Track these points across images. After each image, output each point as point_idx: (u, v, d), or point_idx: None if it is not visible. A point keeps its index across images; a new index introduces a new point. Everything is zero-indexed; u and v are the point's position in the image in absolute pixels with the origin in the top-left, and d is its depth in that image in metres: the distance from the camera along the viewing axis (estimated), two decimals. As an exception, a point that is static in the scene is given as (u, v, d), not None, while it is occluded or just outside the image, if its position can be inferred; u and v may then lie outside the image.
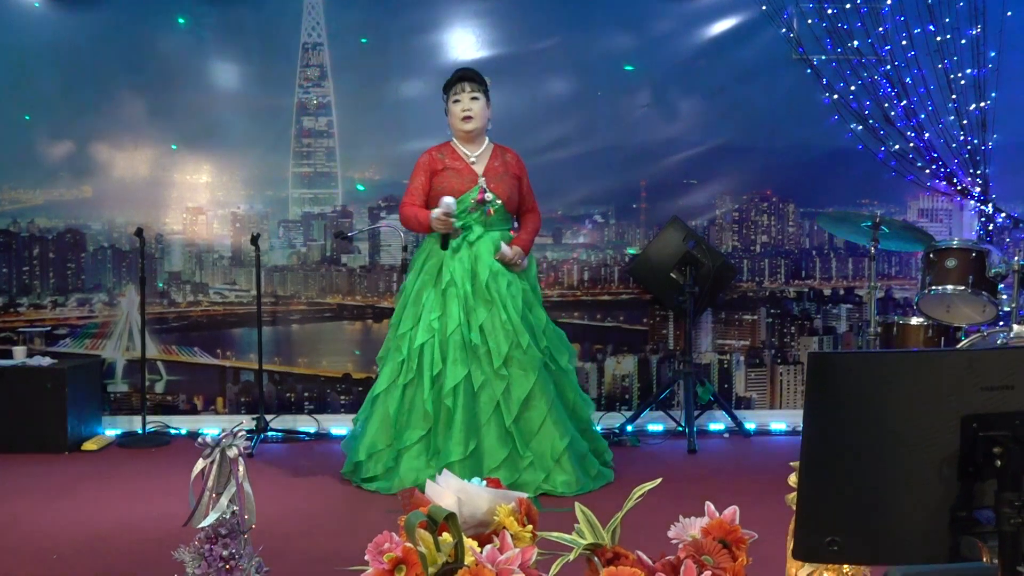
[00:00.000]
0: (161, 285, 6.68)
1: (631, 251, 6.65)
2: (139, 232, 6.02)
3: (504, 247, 4.50)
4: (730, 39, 6.71)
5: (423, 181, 4.58)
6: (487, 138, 4.79)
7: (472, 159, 4.62)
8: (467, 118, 4.54)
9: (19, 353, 6.18)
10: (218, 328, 6.57)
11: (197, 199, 6.64)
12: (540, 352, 4.43)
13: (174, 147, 6.57)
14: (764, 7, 6.58)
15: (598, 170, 6.65)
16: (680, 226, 6.35)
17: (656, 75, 6.72)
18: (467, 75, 4.66)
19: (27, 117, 6.44)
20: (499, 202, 4.53)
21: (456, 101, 4.60)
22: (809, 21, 6.55)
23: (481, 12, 6.75)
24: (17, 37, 6.35)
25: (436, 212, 4.51)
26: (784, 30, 6.59)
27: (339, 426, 6.43)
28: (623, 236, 6.70)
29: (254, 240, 5.99)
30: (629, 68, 6.67)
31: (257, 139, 6.73)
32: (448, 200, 4.47)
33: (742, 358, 6.67)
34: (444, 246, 4.53)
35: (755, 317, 6.68)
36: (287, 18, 6.67)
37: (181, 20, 6.57)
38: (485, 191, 4.53)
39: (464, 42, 6.61)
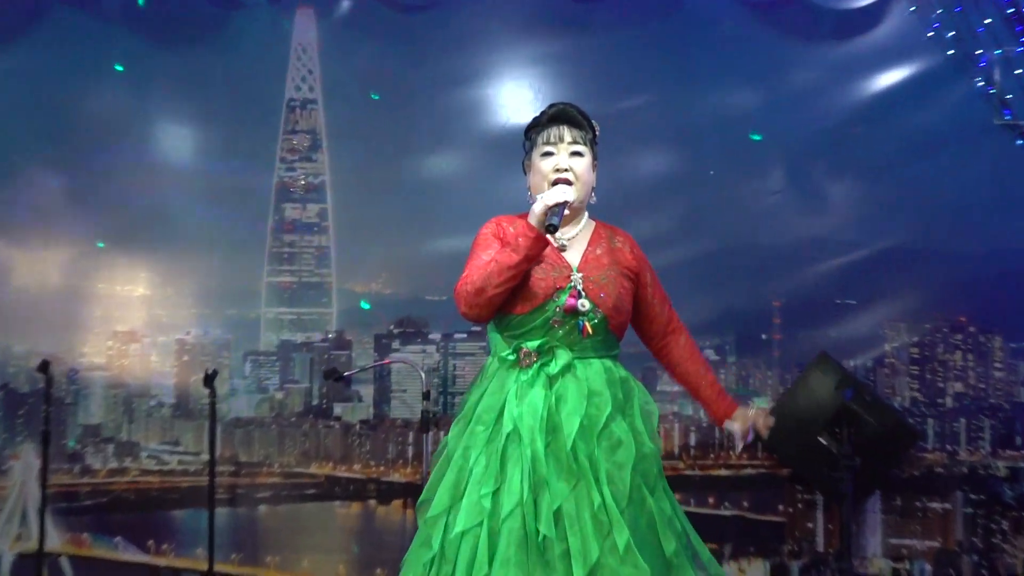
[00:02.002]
0: (73, 444, 6.36)
1: (759, 402, 6.33)
2: (44, 366, 5.58)
3: (742, 420, 3.83)
4: (901, 96, 6.35)
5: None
6: (587, 213, 3.99)
7: (562, 242, 3.87)
8: (563, 180, 3.83)
9: None
10: (152, 509, 6.38)
11: (129, 320, 6.51)
12: (664, 562, 3.64)
13: (100, 245, 6.46)
14: (951, 51, 6.12)
15: (711, 283, 6.38)
16: (831, 367, 5.62)
17: (793, 147, 6.44)
18: (567, 115, 3.90)
19: None
20: (600, 314, 3.73)
21: (547, 154, 3.83)
22: (1019, 71, 6.05)
23: (541, 58, 6.41)
24: None
25: (549, 192, 3.72)
26: (981, 83, 6.12)
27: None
28: (747, 380, 6.59)
29: (208, 380, 5.57)
30: (755, 137, 6.40)
31: (218, 235, 6.48)
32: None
33: (928, 567, 6.19)
34: (554, 227, 3.66)
35: (947, 505, 6.27)
36: (267, 66, 6.52)
37: (119, 67, 6.40)
38: (580, 294, 3.72)
39: (517, 99, 6.31)
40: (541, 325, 3.72)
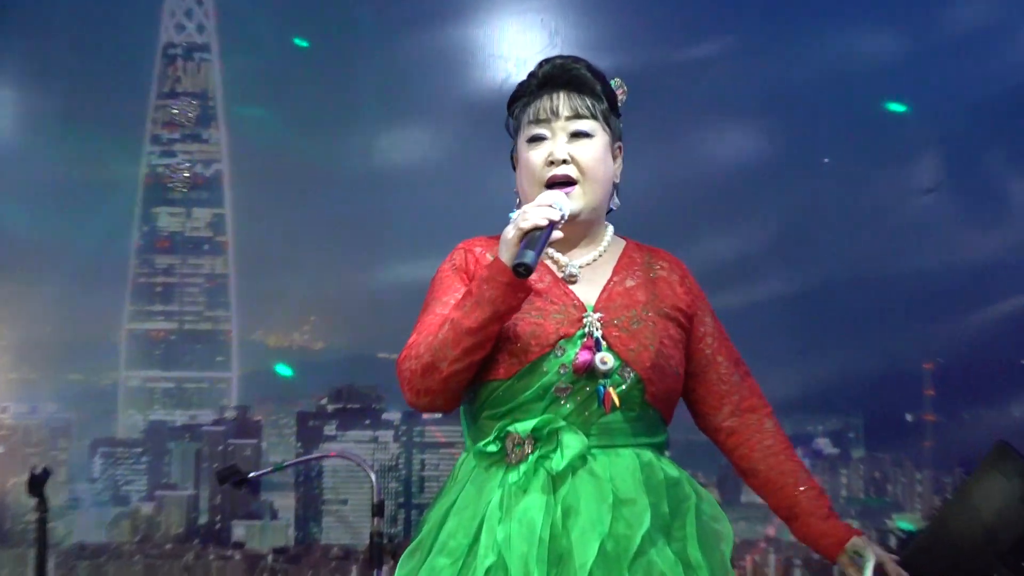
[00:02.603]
0: None
1: (902, 525, 6.46)
2: None
3: (876, 555, 3.22)
4: None
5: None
6: (609, 228, 3.54)
7: (571, 270, 3.43)
8: (561, 181, 3.35)
9: None
10: None
11: (-89, 389, 5.57)
12: None
13: None
14: None
15: (824, 334, 6.53)
16: (1016, 466, 4.74)
17: (954, 123, 6.15)
18: (568, 75, 3.42)
19: None
20: (631, 376, 3.22)
21: (537, 139, 3.37)
22: None
23: (560, -18, 5.67)
24: None
25: (527, 209, 3.24)
26: None
27: None
28: (883, 487, 6.68)
29: (36, 485, 5.57)
30: (896, 108, 5.97)
31: (55, 256, 6.19)
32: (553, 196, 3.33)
33: None
34: (526, 268, 3.10)
35: None
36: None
37: None
38: (598, 345, 3.22)
39: (521, 44, 6.12)
40: (538, 396, 3.13)
